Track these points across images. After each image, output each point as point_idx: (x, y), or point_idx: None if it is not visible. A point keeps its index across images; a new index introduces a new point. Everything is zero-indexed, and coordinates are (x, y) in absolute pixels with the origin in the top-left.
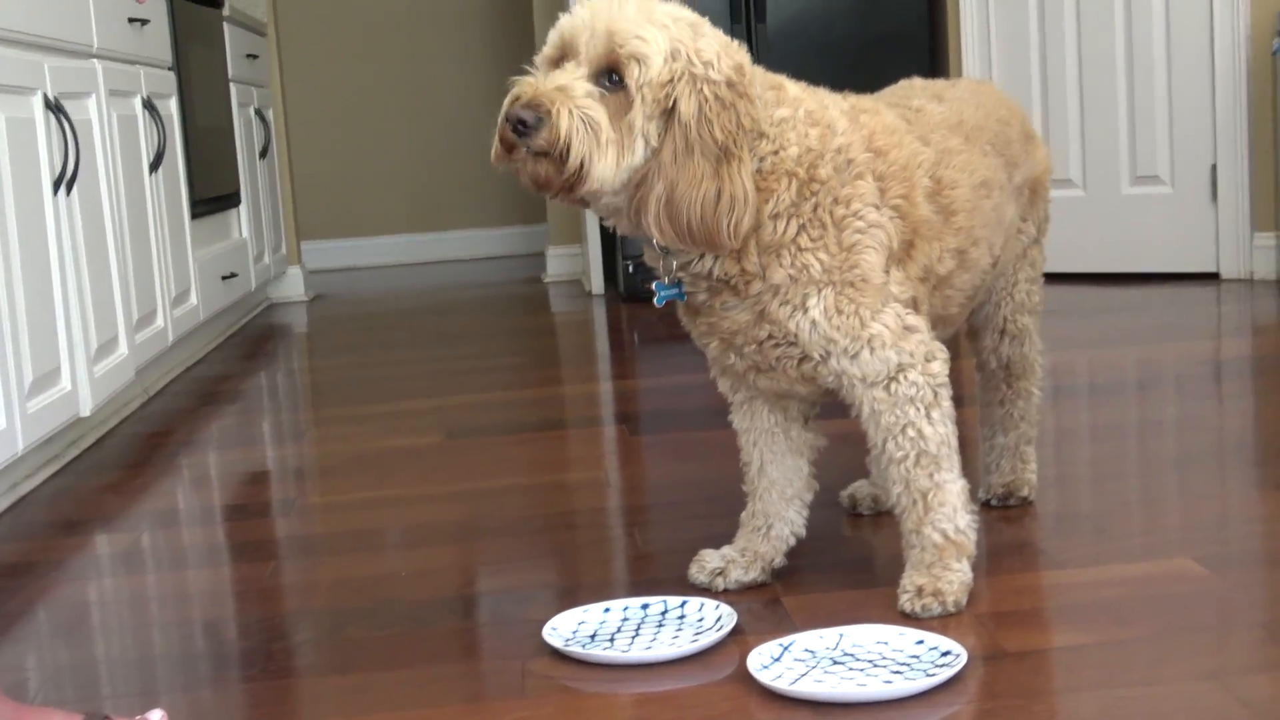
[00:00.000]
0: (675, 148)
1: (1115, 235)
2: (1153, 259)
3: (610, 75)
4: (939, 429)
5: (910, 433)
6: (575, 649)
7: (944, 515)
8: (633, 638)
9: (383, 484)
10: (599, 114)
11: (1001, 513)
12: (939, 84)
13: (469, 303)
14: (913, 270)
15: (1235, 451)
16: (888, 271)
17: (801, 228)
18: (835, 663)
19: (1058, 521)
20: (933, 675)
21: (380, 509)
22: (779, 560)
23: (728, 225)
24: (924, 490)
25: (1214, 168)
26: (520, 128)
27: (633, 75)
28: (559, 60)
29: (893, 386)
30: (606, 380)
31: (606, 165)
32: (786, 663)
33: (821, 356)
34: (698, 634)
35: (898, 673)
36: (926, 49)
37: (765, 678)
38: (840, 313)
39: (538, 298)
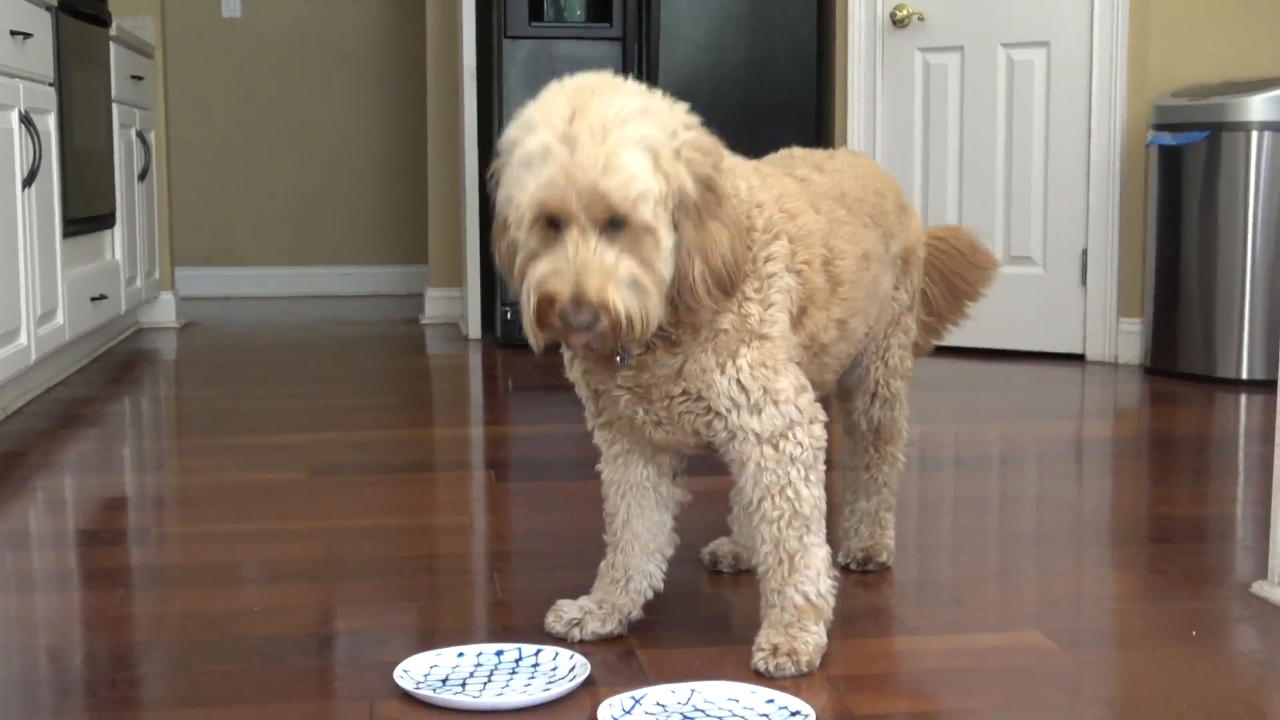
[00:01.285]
0: (694, 223)
1: (986, 311)
2: (1022, 337)
3: (614, 220)
4: (813, 491)
5: (789, 493)
6: (425, 692)
7: (808, 578)
8: (484, 684)
9: (242, 518)
10: (635, 269)
11: (859, 577)
12: (818, 154)
13: (344, 340)
14: (801, 336)
15: (1091, 530)
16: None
17: (746, 276)
18: (686, 718)
19: (915, 589)
20: None
21: (238, 543)
22: (636, 613)
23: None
24: (792, 551)
25: (1084, 252)
26: (579, 325)
27: (643, 215)
28: (548, 221)
29: (781, 444)
30: (478, 425)
31: (656, 307)
32: (637, 715)
33: (727, 410)
34: (550, 683)
35: None
36: (813, 118)
37: None
38: (762, 365)
39: (414, 339)
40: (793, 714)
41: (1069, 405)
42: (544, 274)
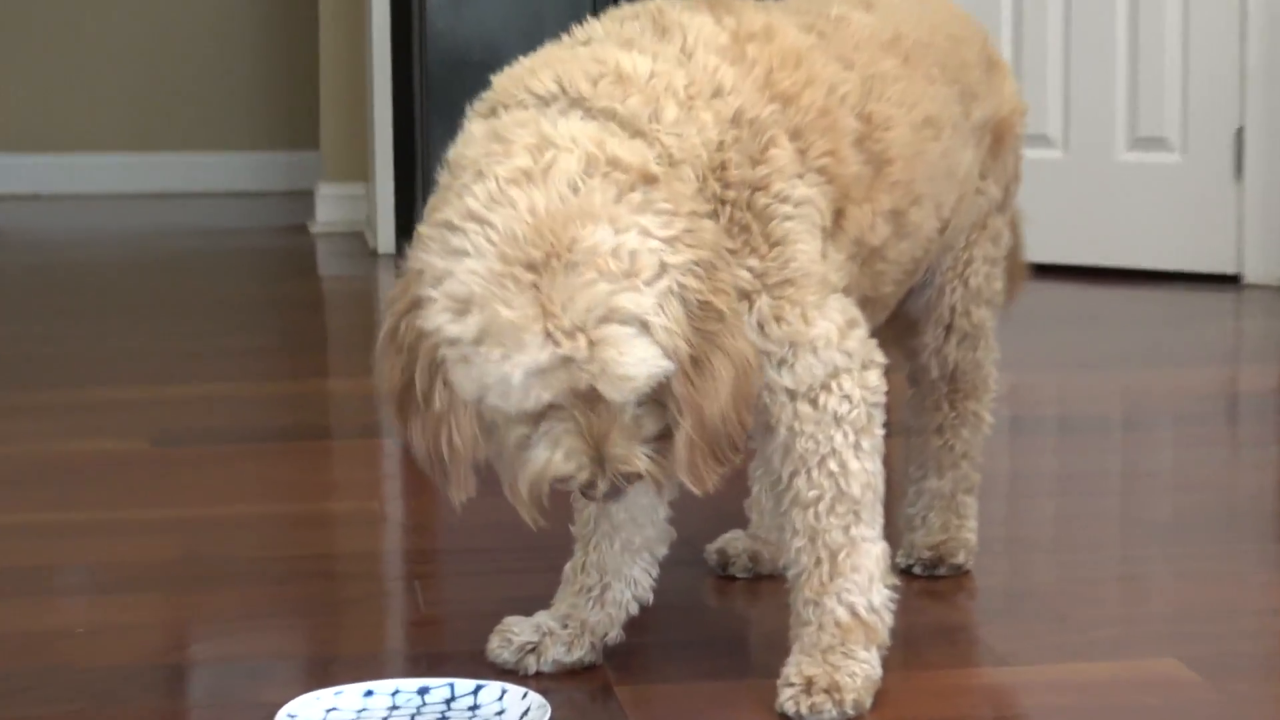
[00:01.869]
0: (685, 372)
1: (1101, 215)
2: (1152, 252)
3: None
4: (865, 464)
5: (832, 465)
6: None
7: (855, 585)
8: None
9: (63, 504)
10: (647, 423)
11: (927, 584)
12: None
13: (202, 256)
14: (844, 245)
15: (1247, 519)
16: (824, 256)
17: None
18: None
19: (1003, 600)
20: None
21: (57, 539)
22: (614, 634)
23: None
24: (835, 548)
25: (1240, 133)
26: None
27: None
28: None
29: (821, 399)
30: None
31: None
32: None
33: None
34: None
35: None
36: None
37: None
38: (779, 320)
39: (301, 254)
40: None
41: (1218, 346)
42: (548, 461)
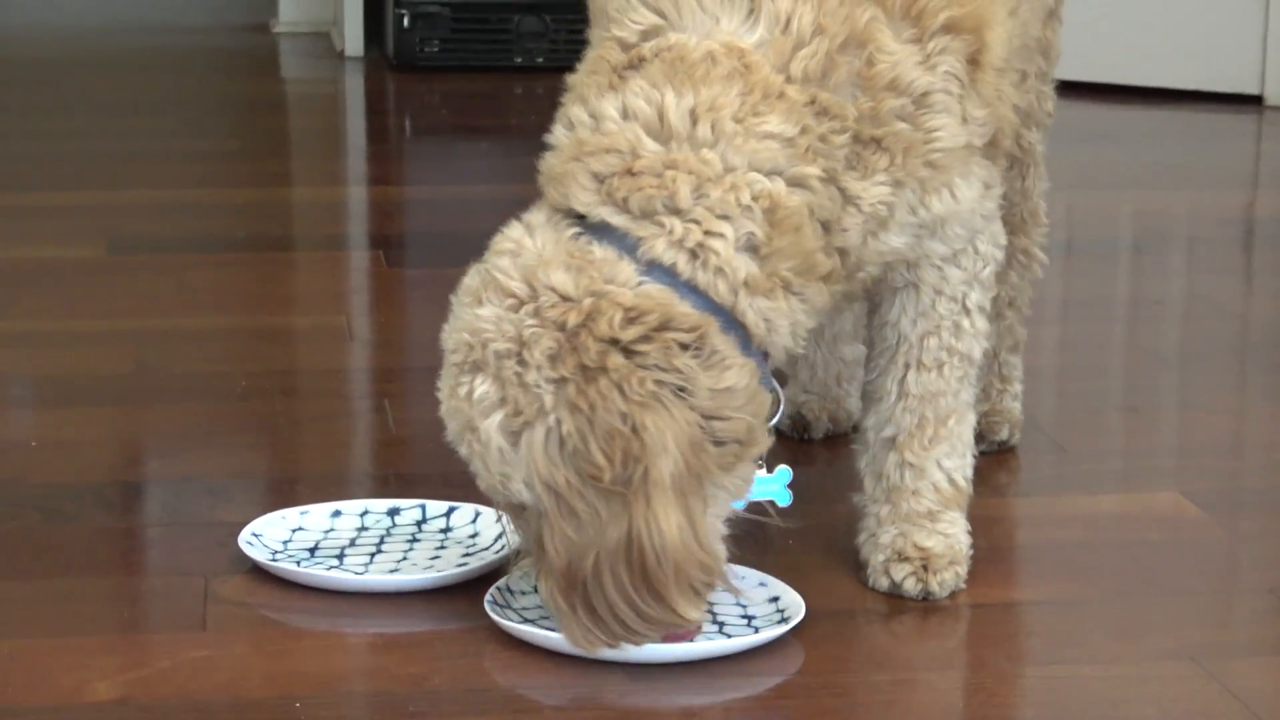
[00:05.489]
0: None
1: (1121, 31)
2: (1171, 69)
3: None
4: (985, 326)
5: (965, 324)
6: (285, 565)
7: (955, 450)
8: (371, 555)
9: (8, 313)
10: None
11: None
12: None
13: (157, 54)
14: (988, 82)
15: (1259, 350)
16: (965, 121)
17: (848, 199)
18: None
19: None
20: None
21: (3, 347)
22: None
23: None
24: (944, 412)
25: None
26: None
27: None
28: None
29: (965, 262)
30: (358, 184)
31: None
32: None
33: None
34: (467, 554)
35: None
36: None
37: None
38: (927, 205)
39: (262, 55)
40: (773, 601)
41: (1237, 169)
42: None
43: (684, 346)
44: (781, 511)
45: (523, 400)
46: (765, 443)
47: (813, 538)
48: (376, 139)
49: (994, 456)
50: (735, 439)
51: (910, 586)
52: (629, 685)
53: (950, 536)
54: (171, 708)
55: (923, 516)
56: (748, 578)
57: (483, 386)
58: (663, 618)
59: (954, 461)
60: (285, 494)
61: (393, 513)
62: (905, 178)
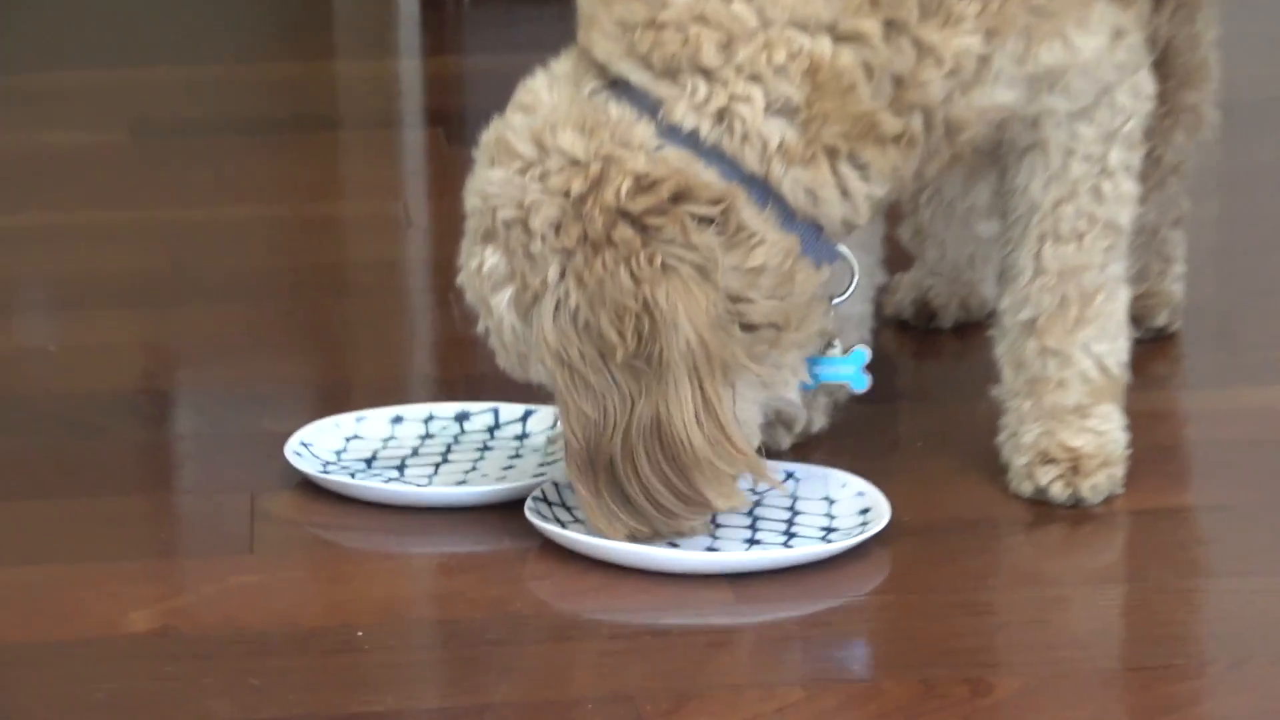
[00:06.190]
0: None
1: None
2: None
3: None
4: (1134, 187)
5: (1105, 188)
6: (339, 478)
7: (1105, 333)
8: (437, 465)
9: (23, 204)
10: None
11: None
12: None
13: None
14: None
15: None
16: None
17: (923, 51)
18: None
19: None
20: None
21: (18, 246)
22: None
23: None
24: (1090, 288)
25: None
26: None
27: None
28: None
29: (1097, 116)
30: (412, 55)
31: None
32: None
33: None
34: (545, 463)
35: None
36: None
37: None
38: (1035, 57)
39: None
40: (862, 511)
41: None
42: None
43: (704, 221)
44: (862, 398)
45: (529, 273)
46: (813, 326)
47: (945, 439)
48: (431, 4)
49: (1152, 345)
50: (769, 323)
51: (1058, 492)
52: (735, 605)
53: (1103, 434)
54: (218, 639)
55: (1070, 411)
56: (848, 484)
57: (493, 259)
58: (699, 498)
59: (1104, 345)
60: (339, 401)
61: (461, 417)
62: (1002, 25)
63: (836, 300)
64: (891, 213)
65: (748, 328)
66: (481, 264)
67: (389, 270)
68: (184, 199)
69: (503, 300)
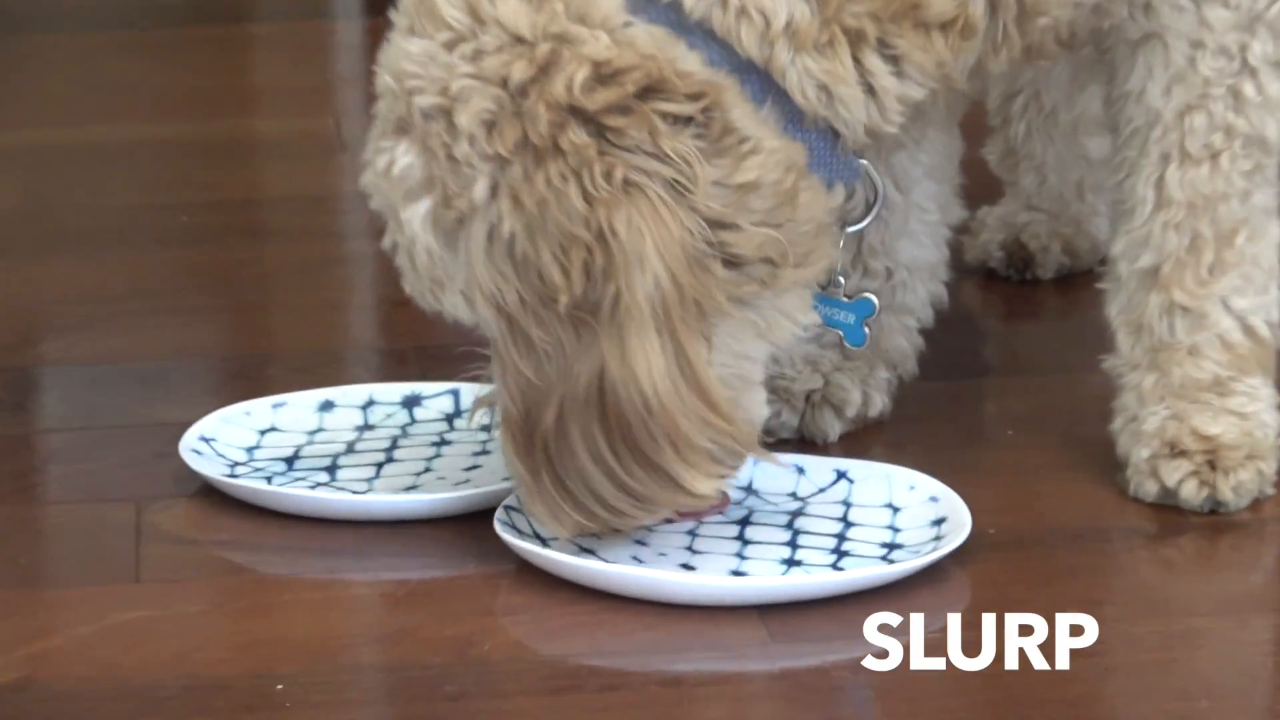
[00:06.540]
0: None
1: None
2: None
3: None
4: None
5: (1248, 90)
6: (250, 483)
7: (1251, 283)
8: (379, 465)
9: None
10: None
11: None
12: None
13: None
14: None
15: None
16: None
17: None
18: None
19: None
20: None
21: None
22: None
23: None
24: (1228, 225)
25: None
26: None
27: None
28: None
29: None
30: None
31: None
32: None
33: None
34: (480, 441)
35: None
36: None
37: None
38: None
39: None
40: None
41: None
42: None
43: (681, 122)
44: (938, 373)
45: (453, 183)
46: (820, 262)
47: (1043, 426)
48: None
49: None
50: (760, 257)
51: (1190, 493)
52: (768, 644)
53: (1248, 417)
54: (94, 694)
55: (1206, 388)
56: (917, 487)
57: (405, 158)
58: (651, 493)
59: (1249, 300)
60: (251, 380)
61: (410, 402)
62: None
63: (852, 228)
64: (973, 125)
65: (733, 263)
66: (392, 163)
67: (317, 207)
68: (46, 115)
69: (417, 214)
